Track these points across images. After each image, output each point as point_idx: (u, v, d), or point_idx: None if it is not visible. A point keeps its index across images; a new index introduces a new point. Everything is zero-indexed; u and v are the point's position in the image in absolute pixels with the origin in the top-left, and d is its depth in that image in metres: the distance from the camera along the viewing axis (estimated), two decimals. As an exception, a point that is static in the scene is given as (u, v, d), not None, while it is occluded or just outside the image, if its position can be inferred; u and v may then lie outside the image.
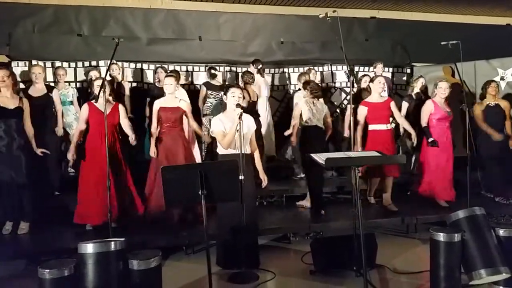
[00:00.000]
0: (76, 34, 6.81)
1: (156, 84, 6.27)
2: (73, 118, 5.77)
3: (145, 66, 6.88)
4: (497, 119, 5.65)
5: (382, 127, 5.07)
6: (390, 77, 7.58)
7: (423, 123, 5.24)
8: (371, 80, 5.28)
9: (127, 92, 6.18)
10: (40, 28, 6.66)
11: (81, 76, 6.52)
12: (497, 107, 5.67)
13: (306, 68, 7.30)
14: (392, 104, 5.15)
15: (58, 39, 6.71)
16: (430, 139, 5.14)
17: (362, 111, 5.09)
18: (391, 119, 5.27)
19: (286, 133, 5.27)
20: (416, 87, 6.05)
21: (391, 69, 7.84)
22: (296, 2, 7.68)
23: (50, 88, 5.34)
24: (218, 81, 6.44)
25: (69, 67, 6.43)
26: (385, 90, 5.45)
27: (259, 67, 6.50)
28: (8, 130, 4.35)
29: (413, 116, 5.74)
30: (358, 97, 5.56)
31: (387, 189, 5.23)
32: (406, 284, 3.61)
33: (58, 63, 6.34)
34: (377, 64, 6.74)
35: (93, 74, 5.73)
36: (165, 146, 4.61)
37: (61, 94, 5.64)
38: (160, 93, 5.40)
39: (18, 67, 6.21)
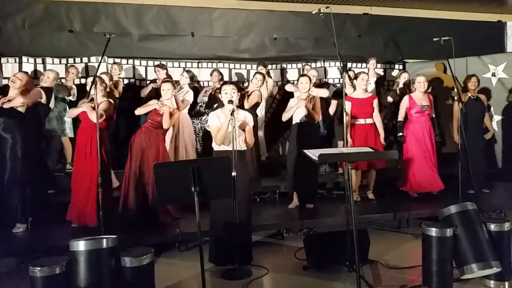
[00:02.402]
0: (67, 30, 6.74)
1: (158, 82, 6.20)
2: (65, 119, 5.66)
3: (137, 62, 6.83)
4: (478, 111, 5.77)
5: (362, 121, 5.23)
6: (382, 73, 7.63)
7: (399, 117, 5.51)
8: (355, 77, 5.41)
9: (120, 89, 6.14)
10: (31, 23, 6.59)
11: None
12: (478, 100, 5.80)
13: (300, 65, 7.36)
14: (375, 102, 5.29)
15: (49, 35, 6.65)
16: (399, 134, 5.47)
17: (347, 105, 5.17)
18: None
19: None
20: (400, 83, 6.15)
21: (383, 65, 7.87)
22: (289, -2, 7.67)
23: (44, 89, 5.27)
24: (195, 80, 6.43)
25: (60, 63, 6.38)
26: (368, 85, 5.48)
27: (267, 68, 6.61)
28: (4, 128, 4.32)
29: (396, 111, 5.86)
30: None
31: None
32: (399, 279, 3.62)
33: (48, 60, 6.30)
34: (370, 60, 6.80)
35: (104, 77, 5.62)
36: (139, 143, 4.57)
37: (59, 91, 5.60)
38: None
39: (8, 63, 6.15)
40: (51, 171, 5.56)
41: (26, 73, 4.82)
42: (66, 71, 5.95)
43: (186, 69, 6.64)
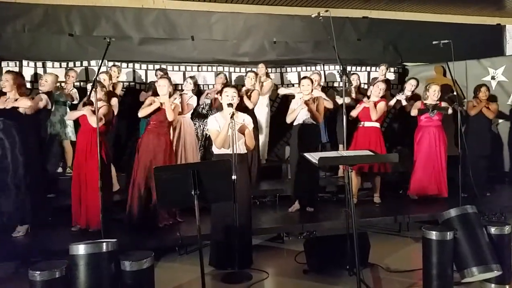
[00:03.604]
0: (67, 34, 6.75)
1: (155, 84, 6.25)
2: (67, 123, 5.66)
3: (137, 66, 6.84)
4: (485, 117, 5.84)
5: (371, 124, 5.31)
6: (393, 78, 7.65)
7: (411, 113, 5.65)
8: (372, 83, 5.58)
9: (118, 92, 6.13)
10: (30, 27, 6.60)
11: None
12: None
13: (299, 68, 7.38)
14: (381, 104, 5.32)
15: (48, 39, 6.66)
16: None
17: (357, 108, 5.40)
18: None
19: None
20: (407, 89, 6.17)
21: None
22: (288, 2, 7.68)
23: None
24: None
25: (60, 67, 6.38)
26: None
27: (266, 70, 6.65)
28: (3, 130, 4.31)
29: (401, 114, 5.86)
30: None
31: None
32: (399, 282, 3.62)
33: (48, 63, 6.30)
34: (381, 66, 6.85)
35: (102, 76, 5.59)
36: (147, 145, 4.58)
37: (61, 95, 5.60)
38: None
39: (8, 67, 6.14)
40: (52, 175, 5.55)
41: (10, 71, 4.75)
42: (66, 74, 5.95)
43: (190, 75, 6.62)
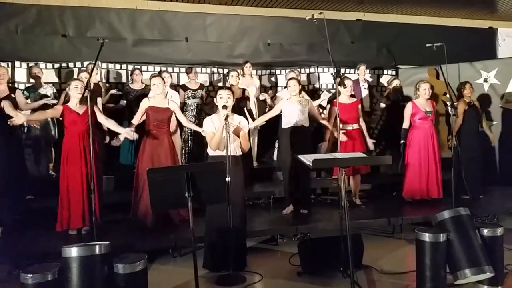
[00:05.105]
0: (60, 35, 6.72)
1: (130, 85, 6.19)
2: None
3: (130, 67, 6.81)
4: (474, 118, 5.78)
5: (350, 127, 5.24)
6: (370, 79, 7.66)
7: (404, 125, 5.48)
8: (340, 83, 5.33)
9: (103, 93, 6.06)
10: (24, 28, 6.57)
11: (67, 77, 6.42)
12: (473, 106, 5.78)
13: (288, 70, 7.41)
14: (359, 106, 5.36)
15: (42, 40, 6.64)
16: (401, 142, 5.46)
17: (333, 110, 5.25)
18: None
19: None
20: (391, 89, 6.27)
21: (376, 71, 7.93)
22: (283, 4, 7.70)
23: (13, 89, 5.14)
24: (197, 82, 6.42)
25: (53, 68, 6.34)
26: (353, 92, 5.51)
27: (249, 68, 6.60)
28: None
29: (391, 116, 5.87)
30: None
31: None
32: (393, 284, 3.63)
33: (41, 64, 6.26)
34: (360, 66, 6.87)
35: (83, 75, 5.59)
36: (150, 148, 4.55)
37: (36, 94, 5.53)
38: (137, 95, 5.70)
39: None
40: (38, 176, 5.49)
41: None
42: (31, 74, 5.80)
43: (163, 70, 6.52)
